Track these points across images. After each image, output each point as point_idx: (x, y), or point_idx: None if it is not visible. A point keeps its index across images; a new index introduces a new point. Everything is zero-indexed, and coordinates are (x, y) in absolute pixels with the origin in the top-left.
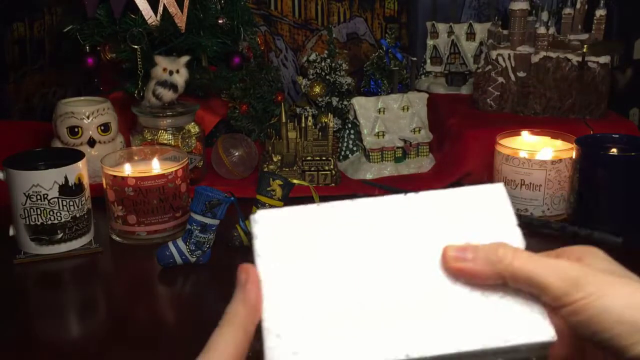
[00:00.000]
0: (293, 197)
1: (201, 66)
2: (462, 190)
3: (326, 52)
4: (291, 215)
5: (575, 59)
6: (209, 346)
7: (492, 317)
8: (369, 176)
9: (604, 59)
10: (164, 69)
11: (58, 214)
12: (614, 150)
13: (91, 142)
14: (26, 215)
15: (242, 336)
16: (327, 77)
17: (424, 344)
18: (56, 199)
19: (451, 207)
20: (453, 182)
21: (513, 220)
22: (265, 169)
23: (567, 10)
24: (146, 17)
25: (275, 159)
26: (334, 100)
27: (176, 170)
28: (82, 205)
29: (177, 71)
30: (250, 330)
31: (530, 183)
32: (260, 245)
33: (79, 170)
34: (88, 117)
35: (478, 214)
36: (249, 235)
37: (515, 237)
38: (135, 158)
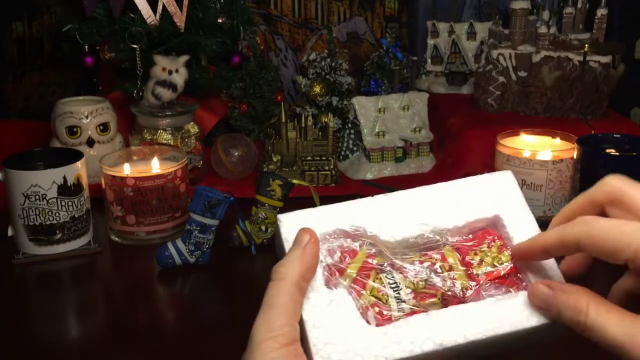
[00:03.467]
0: (293, 197)
1: (200, 66)
2: (475, 179)
3: (326, 51)
4: (312, 215)
5: (576, 58)
6: (268, 302)
7: (499, 311)
8: (369, 176)
9: (605, 59)
10: (163, 69)
11: (57, 214)
12: (615, 150)
13: (90, 142)
14: (25, 216)
15: (297, 292)
16: (327, 76)
17: (449, 333)
18: (55, 199)
19: (467, 195)
20: None
21: (524, 204)
22: (265, 169)
23: (568, 10)
24: (145, 17)
25: (275, 159)
26: (334, 100)
27: (175, 171)
28: (81, 205)
29: (177, 71)
30: (303, 287)
31: (531, 183)
32: (287, 245)
33: (78, 170)
34: (87, 117)
35: (492, 199)
36: (248, 235)
37: (529, 221)
38: (135, 158)
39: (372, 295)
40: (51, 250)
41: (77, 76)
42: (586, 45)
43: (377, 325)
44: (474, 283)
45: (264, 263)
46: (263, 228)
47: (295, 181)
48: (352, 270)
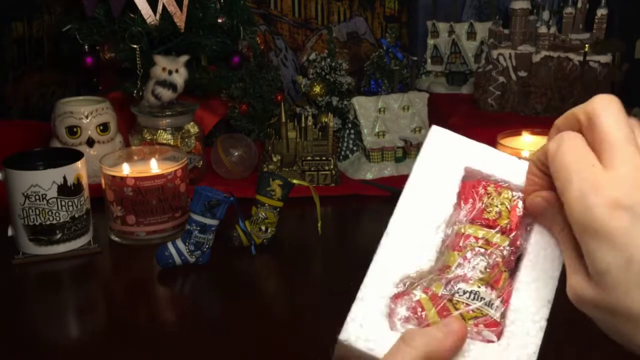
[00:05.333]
0: (293, 197)
1: (201, 66)
2: (420, 159)
3: (326, 51)
4: None
5: (576, 58)
6: None
7: None
8: (369, 176)
9: (605, 59)
10: (163, 69)
11: (57, 214)
12: None
13: (90, 142)
14: (25, 216)
15: None
16: (327, 76)
17: None
18: (55, 199)
19: (432, 178)
20: None
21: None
22: (265, 169)
23: (568, 10)
24: (145, 17)
25: (275, 159)
26: (334, 100)
27: (175, 171)
28: (81, 205)
29: (177, 71)
30: None
31: None
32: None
33: (78, 170)
34: (87, 117)
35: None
36: (248, 235)
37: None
38: (135, 158)
39: (469, 320)
40: (51, 250)
41: (77, 76)
42: (586, 45)
43: (497, 335)
44: (511, 234)
45: (264, 263)
46: (263, 228)
47: (295, 181)
48: (434, 318)
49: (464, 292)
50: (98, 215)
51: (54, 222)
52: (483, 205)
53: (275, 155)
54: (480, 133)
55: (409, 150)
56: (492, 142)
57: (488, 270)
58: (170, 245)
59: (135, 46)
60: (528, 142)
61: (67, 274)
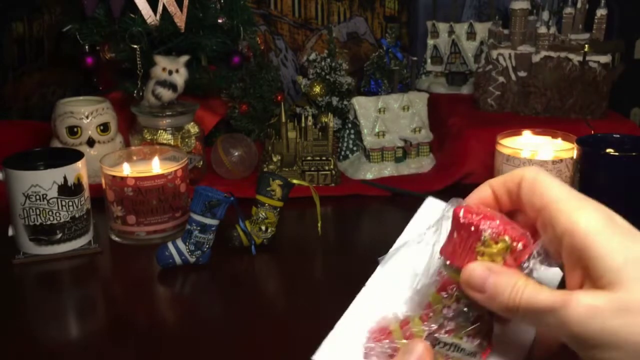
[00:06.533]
0: (293, 197)
1: (201, 66)
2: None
3: (326, 51)
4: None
5: (576, 58)
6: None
7: None
8: (369, 176)
9: (605, 59)
10: (164, 69)
11: (57, 214)
12: (615, 150)
13: (90, 142)
14: (25, 216)
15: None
16: (327, 76)
17: None
18: (55, 199)
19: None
20: (453, 182)
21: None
22: (265, 169)
23: (568, 10)
24: (145, 17)
25: (275, 159)
26: (334, 100)
27: (176, 170)
28: (81, 205)
29: (177, 71)
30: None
31: None
32: None
33: (78, 170)
34: (87, 117)
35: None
36: (248, 235)
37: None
38: (135, 158)
39: None
40: (51, 250)
41: (77, 76)
42: (586, 45)
43: None
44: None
45: (264, 263)
46: (263, 228)
47: (295, 181)
48: None
49: (445, 345)
50: (98, 215)
51: (55, 222)
52: (474, 253)
53: (275, 155)
54: (480, 133)
55: (409, 150)
56: (492, 142)
57: (472, 320)
58: (170, 245)
59: (135, 46)
60: (528, 142)
61: (67, 274)
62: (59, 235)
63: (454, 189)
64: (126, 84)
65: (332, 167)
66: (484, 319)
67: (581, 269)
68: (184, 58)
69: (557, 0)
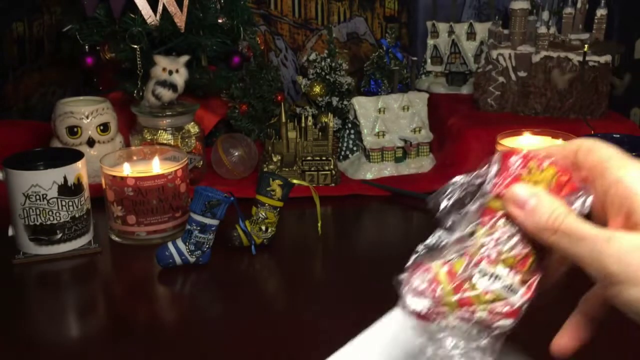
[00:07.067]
0: (293, 197)
1: (201, 66)
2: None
3: (326, 51)
4: None
5: (576, 58)
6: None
7: None
8: (369, 176)
9: (605, 59)
10: (164, 69)
11: (57, 214)
12: None
13: (90, 142)
14: (25, 216)
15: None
16: (327, 77)
17: None
18: (55, 199)
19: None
20: None
21: None
22: (265, 169)
23: (568, 10)
24: (146, 17)
25: (275, 159)
26: (334, 100)
27: (176, 170)
28: (81, 205)
29: (177, 71)
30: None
31: None
32: None
33: (78, 170)
34: (87, 117)
35: None
36: (248, 235)
37: None
38: (135, 158)
39: (484, 303)
40: (51, 250)
41: (78, 76)
42: (586, 45)
43: (511, 317)
44: None
45: (264, 263)
46: (263, 228)
47: (295, 181)
48: (449, 296)
49: (485, 274)
50: (98, 215)
51: (55, 222)
52: (519, 180)
53: (276, 155)
54: (480, 133)
55: (409, 150)
56: (492, 142)
57: (514, 251)
58: (170, 245)
59: (135, 46)
60: (528, 142)
61: (67, 274)
62: (59, 235)
63: None
64: (126, 84)
65: (332, 167)
66: (527, 250)
67: (623, 217)
68: (184, 58)
69: (557, 0)
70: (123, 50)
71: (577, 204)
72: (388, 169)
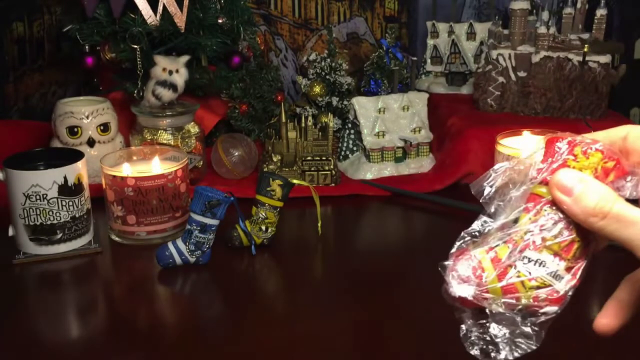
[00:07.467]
0: (293, 197)
1: (201, 66)
2: None
3: (326, 51)
4: None
5: (575, 58)
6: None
7: None
8: (369, 176)
9: (605, 59)
10: (164, 69)
11: (57, 214)
12: None
13: (91, 142)
14: (25, 216)
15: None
16: (327, 77)
17: None
18: (55, 199)
19: None
20: (453, 182)
21: None
22: (265, 169)
23: (568, 10)
24: (146, 17)
25: (275, 159)
26: (334, 100)
27: (176, 170)
28: (81, 205)
29: (177, 71)
30: None
31: None
32: None
33: (79, 170)
34: (87, 117)
35: None
36: (248, 235)
37: None
38: (135, 158)
39: (530, 289)
40: (52, 250)
41: (78, 76)
42: (586, 45)
43: (556, 304)
44: None
45: (264, 263)
46: (263, 228)
47: (295, 181)
48: (494, 282)
49: (529, 260)
50: (98, 215)
51: (55, 222)
52: (565, 166)
53: (276, 155)
54: (480, 133)
55: (409, 151)
56: (492, 142)
57: (559, 238)
58: (170, 245)
59: (135, 46)
60: (527, 142)
61: (67, 274)
62: (59, 235)
63: (453, 189)
64: (126, 84)
65: (332, 167)
66: (572, 236)
67: None
68: (184, 58)
69: (557, 0)
70: (123, 51)
71: (627, 188)
72: (388, 169)
